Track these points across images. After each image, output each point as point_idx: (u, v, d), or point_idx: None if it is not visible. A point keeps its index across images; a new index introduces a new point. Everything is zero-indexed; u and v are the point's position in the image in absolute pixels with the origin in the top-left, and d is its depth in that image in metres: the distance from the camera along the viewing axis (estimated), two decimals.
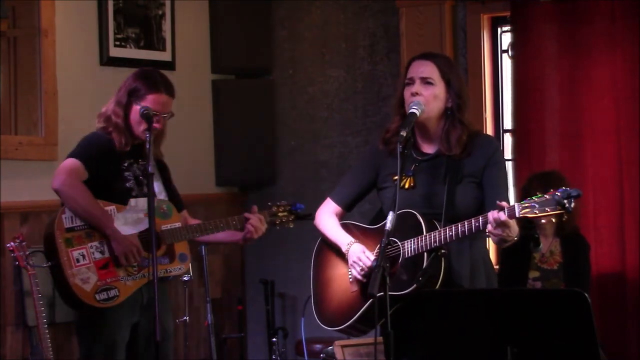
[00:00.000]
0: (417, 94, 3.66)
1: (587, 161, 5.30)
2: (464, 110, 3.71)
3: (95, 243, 4.03)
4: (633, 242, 5.18)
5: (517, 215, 3.37)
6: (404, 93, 3.73)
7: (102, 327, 4.04)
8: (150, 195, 3.80)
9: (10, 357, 5.02)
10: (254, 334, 6.30)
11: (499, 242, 3.53)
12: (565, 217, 4.74)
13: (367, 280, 3.61)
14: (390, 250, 3.61)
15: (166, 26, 5.89)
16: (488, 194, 3.65)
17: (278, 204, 4.36)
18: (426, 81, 3.68)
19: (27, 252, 4.57)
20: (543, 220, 4.78)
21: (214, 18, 6.19)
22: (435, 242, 3.55)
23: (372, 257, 3.69)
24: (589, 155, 5.30)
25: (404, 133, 3.50)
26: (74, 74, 5.42)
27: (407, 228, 3.61)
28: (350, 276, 3.82)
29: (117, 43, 5.63)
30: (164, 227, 4.13)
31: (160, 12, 5.87)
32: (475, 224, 3.48)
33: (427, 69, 3.70)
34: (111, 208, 4.06)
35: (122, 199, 4.08)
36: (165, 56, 5.86)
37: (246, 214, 4.23)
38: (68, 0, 5.40)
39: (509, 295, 3.27)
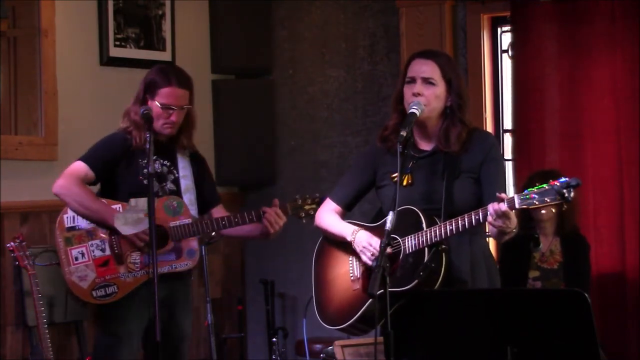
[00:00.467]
0: (418, 94, 3.65)
1: (587, 161, 5.30)
2: (465, 110, 3.70)
3: (97, 241, 4.07)
4: (633, 242, 5.18)
5: (517, 206, 3.36)
6: (404, 91, 3.71)
7: (108, 321, 4.13)
8: (150, 195, 3.78)
9: (10, 357, 5.02)
10: (254, 334, 6.29)
11: (499, 235, 3.53)
12: (565, 206, 4.77)
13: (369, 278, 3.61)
14: (391, 247, 3.60)
15: (166, 26, 5.89)
16: (486, 189, 3.64)
17: (307, 196, 4.22)
18: (428, 81, 3.67)
19: (27, 252, 4.57)
20: (543, 211, 4.83)
21: (214, 18, 6.18)
22: (436, 236, 3.55)
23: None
24: (589, 155, 5.30)
25: (404, 133, 3.50)
26: (74, 74, 5.42)
27: (407, 224, 3.61)
28: (351, 274, 3.82)
29: (117, 43, 5.63)
30: (173, 223, 4.12)
31: (160, 12, 5.87)
32: (475, 217, 3.48)
33: (428, 68, 3.68)
34: (117, 206, 4.09)
35: (138, 197, 4.08)
36: (165, 56, 5.85)
37: (264, 208, 4.15)
38: (68, 0, 5.40)
39: (509, 295, 3.27)
